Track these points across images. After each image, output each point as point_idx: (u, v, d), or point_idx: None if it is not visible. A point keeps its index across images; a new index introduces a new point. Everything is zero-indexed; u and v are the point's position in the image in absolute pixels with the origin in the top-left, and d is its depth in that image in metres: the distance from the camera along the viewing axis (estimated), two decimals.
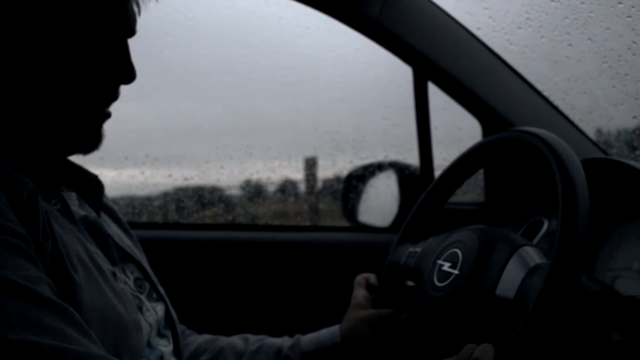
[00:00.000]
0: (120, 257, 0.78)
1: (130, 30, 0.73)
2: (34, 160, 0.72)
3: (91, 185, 0.81)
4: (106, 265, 0.70)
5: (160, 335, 0.79)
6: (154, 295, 0.81)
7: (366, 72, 1.72)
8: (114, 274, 0.72)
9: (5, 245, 0.55)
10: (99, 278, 0.66)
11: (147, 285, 0.81)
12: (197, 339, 0.97)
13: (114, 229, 0.83)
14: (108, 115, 0.73)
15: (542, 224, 1.13)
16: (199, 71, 1.69)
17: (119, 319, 0.65)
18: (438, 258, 0.85)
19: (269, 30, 1.66)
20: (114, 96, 0.73)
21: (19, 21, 0.65)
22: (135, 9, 0.75)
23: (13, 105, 0.67)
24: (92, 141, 0.73)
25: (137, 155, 1.66)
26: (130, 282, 0.78)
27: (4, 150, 0.67)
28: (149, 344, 0.74)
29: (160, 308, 0.80)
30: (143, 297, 0.78)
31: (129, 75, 0.72)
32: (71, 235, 0.67)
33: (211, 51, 1.67)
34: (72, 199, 0.76)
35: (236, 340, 0.97)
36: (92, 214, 0.78)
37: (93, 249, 0.70)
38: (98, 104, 0.71)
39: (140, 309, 0.75)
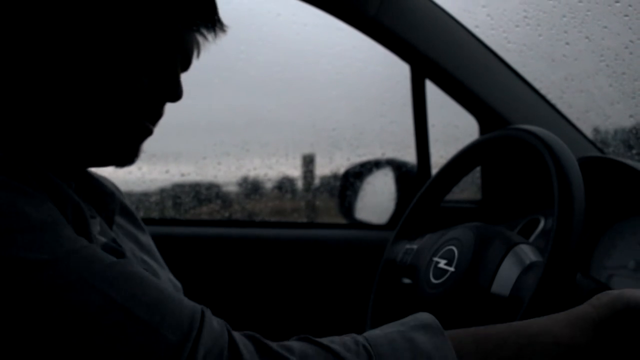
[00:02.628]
0: None
1: (183, 59, 0.72)
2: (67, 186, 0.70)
3: (106, 199, 0.80)
4: None
5: None
6: None
7: (364, 69, 1.72)
8: None
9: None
10: None
11: None
12: None
13: (129, 245, 0.82)
14: (150, 132, 0.72)
15: (538, 222, 1.13)
16: (196, 67, 1.68)
17: None
18: (434, 255, 0.85)
19: (266, 26, 1.66)
20: (159, 113, 0.72)
21: (71, 33, 0.64)
22: (198, 43, 0.74)
23: (56, 116, 0.66)
24: (129, 156, 0.72)
25: None
26: None
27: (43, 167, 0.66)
28: None
29: None
30: None
31: (175, 94, 0.71)
32: None
33: (209, 47, 1.66)
34: (96, 225, 0.75)
35: None
36: (110, 237, 0.77)
37: None
38: (142, 120, 0.70)
39: None
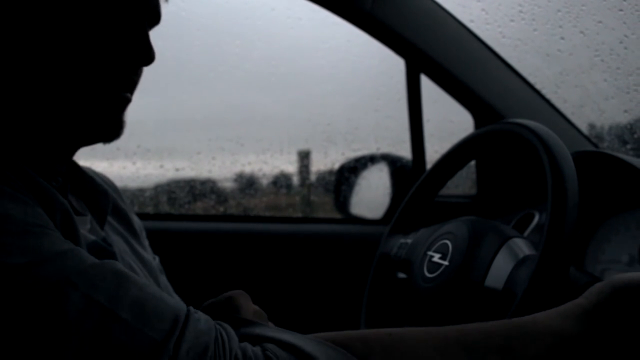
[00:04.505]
0: None
1: (150, 15, 0.70)
2: (52, 184, 0.69)
3: (98, 198, 0.79)
4: None
5: None
6: None
7: (359, 64, 1.72)
8: None
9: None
10: None
11: None
12: None
13: (120, 246, 0.81)
14: (128, 101, 0.70)
15: (533, 217, 1.14)
16: (190, 62, 1.68)
17: None
18: (428, 249, 0.85)
19: (261, 21, 1.66)
20: (134, 80, 0.70)
21: (31, 11, 0.63)
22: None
23: (29, 95, 0.65)
24: (113, 129, 0.70)
25: (129, 145, 1.65)
26: None
27: (26, 160, 0.65)
28: None
29: None
30: None
31: (147, 56, 0.68)
32: None
33: (203, 42, 1.66)
34: (86, 222, 0.74)
35: None
36: (101, 235, 0.76)
37: None
38: (117, 88, 0.68)
39: None
